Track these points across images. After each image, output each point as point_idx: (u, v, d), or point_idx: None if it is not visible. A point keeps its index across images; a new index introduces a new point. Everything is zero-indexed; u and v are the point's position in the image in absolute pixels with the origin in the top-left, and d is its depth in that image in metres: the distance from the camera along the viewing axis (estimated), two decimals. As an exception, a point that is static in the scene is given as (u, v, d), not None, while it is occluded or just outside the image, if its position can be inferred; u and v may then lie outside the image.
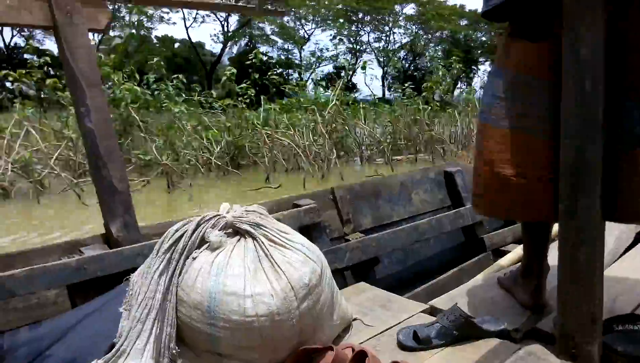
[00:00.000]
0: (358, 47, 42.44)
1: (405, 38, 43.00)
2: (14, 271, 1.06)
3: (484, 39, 41.58)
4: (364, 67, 11.05)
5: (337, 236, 1.80)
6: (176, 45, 38.60)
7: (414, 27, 42.16)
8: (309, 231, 1.64)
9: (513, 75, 1.00)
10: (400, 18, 41.45)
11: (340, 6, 40.29)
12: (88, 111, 1.29)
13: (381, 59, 42.83)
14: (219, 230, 1.04)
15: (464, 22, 41.59)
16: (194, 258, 1.01)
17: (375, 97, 11.61)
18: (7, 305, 1.09)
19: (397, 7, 40.52)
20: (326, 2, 40.27)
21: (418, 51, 41.51)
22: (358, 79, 49.25)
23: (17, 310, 1.11)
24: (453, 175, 2.28)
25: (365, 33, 42.85)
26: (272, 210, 1.62)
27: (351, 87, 53.47)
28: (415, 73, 42.97)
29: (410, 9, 41.01)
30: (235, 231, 1.07)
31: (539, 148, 0.97)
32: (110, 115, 1.35)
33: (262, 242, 1.05)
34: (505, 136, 1.01)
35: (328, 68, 47.49)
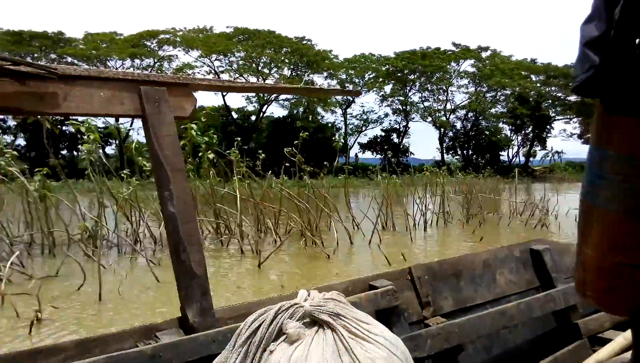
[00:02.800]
0: (408, 108, 43.72)
1: (464, 97, 44.05)
2: (94, 359, 1.17)
3: (559, 95, 41.40)
4: None
5: (416, 320, 1.82)
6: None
7: (473, 85, 43.20)
8: (387, 315, 1.68)
9: (617, 155, 1.03)
10: (454, 77, 42.74)
11: (386, 66, 42.53)
12: (171, 195, 1.46)
13: (437, 119, 43.64)
14: (297, 320, 1.10)
15: (536, 77, 41.91)
16: (271, 352, 1.06)
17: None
18: None
19: (453, 65, 41.97)
20: (372, 65, 42.75)
21: (479, 110, 41.98)
22: (411, 141, 50.24)
23: None
24: (541, 253, 2.28)
25: (415, 93, 44.40)
26: (347, 291, 1.69)
27: (403, 151, 53.77)
28: (477, 134, 43.02)
29: (468, 66, 42.39)
30: (313, 321, 1.12)
31: None
32: (192, 199, 1.52)
33: (342, 334, 1.09)
34: (615, 221, 1.02)
35: (375, 131, 48.97)
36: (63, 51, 35.42)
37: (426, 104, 44.87)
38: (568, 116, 43.02)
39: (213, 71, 41.47)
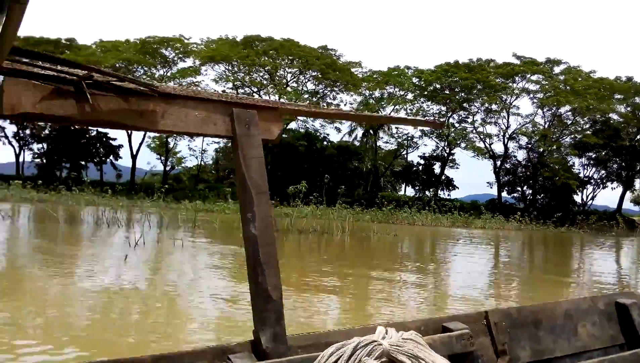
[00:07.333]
0: (449, 131, 43.60)
1: (525, 121, 43.77)
2: None
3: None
4: None
5: None
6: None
7: (536, 106, 43.00)
8: (461, 360, 1.88)
9: None
10: (510, 96, 42.47)
11: (416, 80, 42.89)
12: (254, 216, 1.73)
13: (470, 145, 43.06)
14: (375, 359, 1.25)
15: (631, 100, 40.64)
16: (348, 389, 1.21)
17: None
18: None
19: (517, 80, 41.82)
20: (403, 79, 43.17)
21: (543, 137, 41.48)
22: (457, 174, 50.33)
23: None
24: (628, 308, 2.44)
25: (458, 114, 44.24)
26: (419, 331, 1.88)
27: (445, 184, 53.26)
28: (541, 168, 42.11)
29: (530, 84, 42.27)
30: (391, 360, 1.27)
31: None
32: (272, 222, 1.80)
33: (422, 378, 1.24)
34: None
35: (411, 157, 48.93)
36: (67, 56, 38.98)
37: (480, 129, 44.63)
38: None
39: (216, 79, 43.52)
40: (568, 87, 40.02)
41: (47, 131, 46.30)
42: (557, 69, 42.02)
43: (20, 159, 50.02)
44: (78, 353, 3.75)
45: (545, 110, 43.35)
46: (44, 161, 48.42)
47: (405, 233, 22.86)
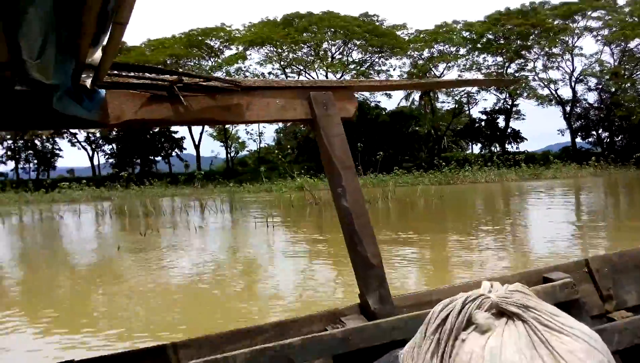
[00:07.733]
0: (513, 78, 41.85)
1: (591, 61, 41.43)
2: (292, 340, 1.55)
3: None
4: None
5: (597, 314, 2.08)
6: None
7: (603, 44, 40.48)
8: (566, 309, 1.88)
9: None
10: (574, 41, 40.04)
11: (467, 34, 41.30)
12: (344, 191, 1.88)
13: (532, 92, 40.92)
14: (485, 311, 1.32)
15: None
16: (463, 340, 1.29)
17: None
18: None
19: (577, 18, 39.52)
20: (464, 34, 41.64)
21: (614, 74, 39.11)
22: (525, 126, 48.58)
23: None
24: None
25: (517, 62, 42.40)
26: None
27: (512, 137, 51.57)
28: (615, 109, 39.88)
29: (592, 21, 39.78)
30: (500, 312, 1.34)
31: None
32: (362, 194, 1.94)
33: (535, 326, 1.29)
34: None
35: (473, 113, 47.53)
36: (119, 59, 41.52)
37: (543, 75, 42.74)
38: None
39: (261, 62, 44.02)
40: (635, 19, 37.38)
41: (114, 132, 49.05)
42: (620, 1, 39.40)
43: (96, 162, 53.82)
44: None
45: (612, 47, 40.83)
46: (116, 160, 51.42)
47: (466, 192, 22.44)
